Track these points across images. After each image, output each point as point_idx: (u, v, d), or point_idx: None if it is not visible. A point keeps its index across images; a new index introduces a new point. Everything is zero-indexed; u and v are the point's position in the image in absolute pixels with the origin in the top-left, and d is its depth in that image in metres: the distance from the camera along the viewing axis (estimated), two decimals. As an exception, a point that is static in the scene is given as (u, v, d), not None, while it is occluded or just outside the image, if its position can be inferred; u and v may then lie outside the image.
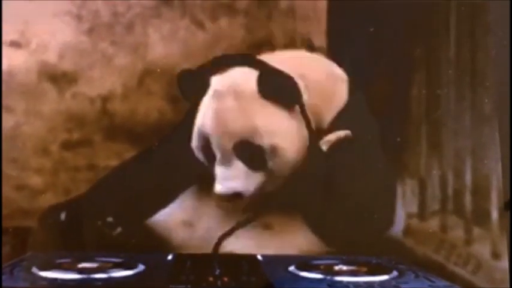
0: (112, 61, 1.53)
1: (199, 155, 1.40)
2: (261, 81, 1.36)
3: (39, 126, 1.51)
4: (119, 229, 1.41)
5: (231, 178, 1.36)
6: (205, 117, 1.39)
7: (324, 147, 1.40)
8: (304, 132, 1.38)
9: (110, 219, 1.42)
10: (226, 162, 1.36)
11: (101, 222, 1.41)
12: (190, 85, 1.40)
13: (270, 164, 1.36)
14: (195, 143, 1.40)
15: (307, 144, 1.39)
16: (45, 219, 1.44)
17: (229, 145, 1.36)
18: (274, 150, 1.36)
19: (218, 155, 1.37)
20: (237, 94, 1.37)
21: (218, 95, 1.38)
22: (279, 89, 1.36)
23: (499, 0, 1.44)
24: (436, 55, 1.51)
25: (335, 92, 1.43)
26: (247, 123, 1.36)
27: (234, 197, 1.36)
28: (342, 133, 1.40)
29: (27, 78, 1.52)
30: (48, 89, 1.52)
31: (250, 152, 1.36)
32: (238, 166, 1.36)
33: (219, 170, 1.37)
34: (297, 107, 1.38)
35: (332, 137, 1.41)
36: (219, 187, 1.36)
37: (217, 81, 1.40)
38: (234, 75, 1.40)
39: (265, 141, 1.36)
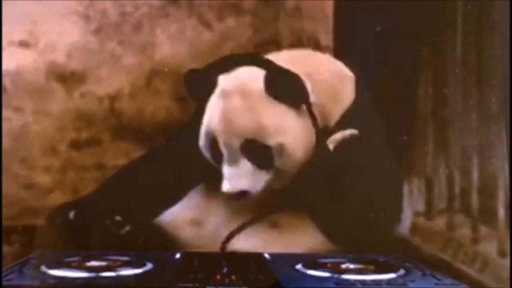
0: (120, 61, 1.54)
1: (206, 154, 1.41)
2: (268, 80, 1.36)
3: (48, 126, 1.52)
4: (127, 227, 1.42)
5: (238, 177, 1.36)
6: (212, 116, 1.39)
7: (331, 147, 1.40)
8: (311, 130, 1.39)
9: (118, 217, 1.42)
10: (233, 161, 1.37)
11: (109, 221, 1.42)
12: (198, 84, 1.40)
13: (277, 162, 1.37)
14: (202, 142, 1.41)
15: (314, 143, 1.39)
16: (53, 218, 1.45)
17: (237, 144, 1.36)
18: (281, 148, 1.36)
19: (225, 154, 1.37)
20: (244, 93, 1.37)
21: (225, 94, 1.38)
22: (286, 88, 1.36)
23: (504, -1, 1.44)
24: (443, 54, 1.51)
25: (342, 91, 1.44)
26: (254, 122, 1.36)
27: (241, 195, 1.37)
28: (348, 132, 1.41)
29: (36, 78, 1.52)
30: (57, 88, 1.53)
31: (257, 150, 1.36)
32: (246, 165, 1.37)
33: (226, 169, 1.37)
34: (304, 106, 1.38)
35: (338, 136, 1.41)
36: (226, 186, 1.37)
37: (224, 81, 1.40)
38: (241, 75, 1.40)
39: (273, 140, 1.36)
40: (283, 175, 1.38)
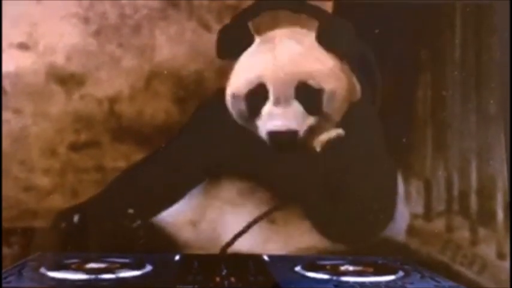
0: (119, 63, 1.53)
1: (239, 106, 1.42)
2: (320, 30, 1.41)
3: (47, 128, 1.52)
4: (138, 221, 1.42)
5: (288, 117, 1.38)
6: (260, 63, 1.41)
7: (318, 148, 1.41)
8: (355, 84, 1.43)
9: (130, 210, 1.42)
10: (284, 103, 1.39)
11: (121, 214, 1.42)
12: (233, 38, 1.43)
13: (326, 108, 1.39)
14: (241, 91, 1.42)
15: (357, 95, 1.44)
16: (58, 223, 1.45)
17: (290, 87, 1.38)
18: (332, 94, 1.39)
19: (275, 97, 1.39)
20: (298, 40, 1.41)
21: (278, 41, 1.41)
22: (337, 39, 1.41)
23: (503, 0, 1.44)
24: (442, 56, 1.51)
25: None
26: (309, 65, 1.39)
27: (288, 135, 1.38)
28: (333, 132, 1.42)
29: (35, 80, 1.52)
30: (56, 90, 1.53)
31: (309, 94, 1.38)
32: (296, 107, 1.38)
33: (274, 110, 1.39)
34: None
35: (324, 137, 1.42)
36: (275, 124, 1.38)
37: (277, 32, 1.43)
38: (292, 28, 1.44)
39: (326, 85, 1.39)
40: (328, 121, 1.39)
